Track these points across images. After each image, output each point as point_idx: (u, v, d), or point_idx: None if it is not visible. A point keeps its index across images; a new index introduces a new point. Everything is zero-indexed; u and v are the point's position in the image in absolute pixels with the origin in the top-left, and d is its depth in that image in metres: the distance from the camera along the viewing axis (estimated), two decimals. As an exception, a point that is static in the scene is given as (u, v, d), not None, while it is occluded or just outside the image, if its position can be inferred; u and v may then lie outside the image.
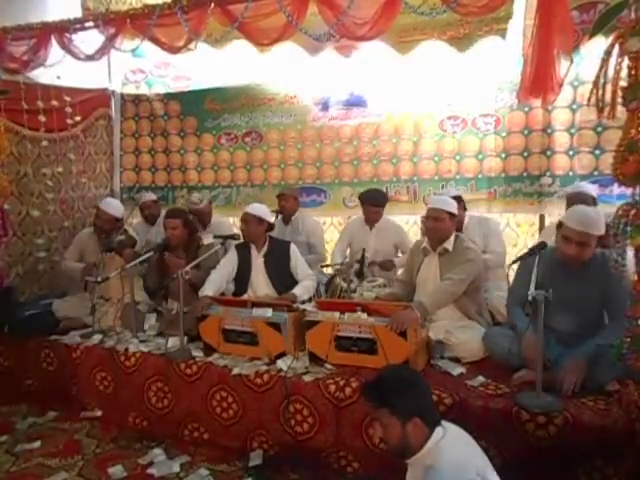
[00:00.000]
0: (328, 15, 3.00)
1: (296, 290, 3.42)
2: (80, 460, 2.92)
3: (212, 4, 3.21)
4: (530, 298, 2.32)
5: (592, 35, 3.43)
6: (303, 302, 3.36)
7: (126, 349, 3.29)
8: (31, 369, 3.62)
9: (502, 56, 4.01)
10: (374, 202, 4.13)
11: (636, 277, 2.19)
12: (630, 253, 2.21)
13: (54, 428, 3.29)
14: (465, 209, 3.77)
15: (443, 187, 4.57)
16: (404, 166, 4.72)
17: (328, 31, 3.05)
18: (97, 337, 3.48)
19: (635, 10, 2.11)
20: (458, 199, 3.70)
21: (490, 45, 3.78)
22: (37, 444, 3.08)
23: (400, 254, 4.17)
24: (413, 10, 2.90)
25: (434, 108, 4.55)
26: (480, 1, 2.72)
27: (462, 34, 3.80)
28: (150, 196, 4.89)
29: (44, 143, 4.49)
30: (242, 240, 3.67)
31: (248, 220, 3.49)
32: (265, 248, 3.55)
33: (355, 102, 4.81)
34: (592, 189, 3.59)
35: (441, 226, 3.08)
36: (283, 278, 3.51)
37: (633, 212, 2.13)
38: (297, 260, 3.57)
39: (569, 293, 2.51)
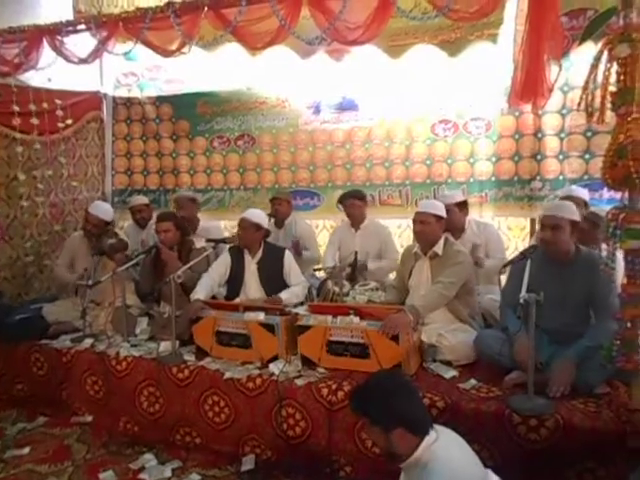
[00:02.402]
0: (320, 19, 3.01)
1: (282, 294, 3.42)
2: (70, 466, 2.89)
3: (205, 8, 3.22)
4: (522, 301, 2.33)
5: (582, 41, 3.48)
6: (295, 306, 3.36)
7: (117, 353, 3.27)
8: (21, 374, 3.58)
9: (493, 61, 4.04)
10: (352, 195, 4.22)
11: (626, 280, 2.21)
12: (620, 256, 2.24)
13: (44, 433, 3.26)
14: (467, 214, 3.81)
15: (435, 191, 4.60)
16: (396, 170, 4.74)
17: (320, 35, 3.06)
18: (88, 341, 3.45)
19: (624, 17, 2.14)
20: (463, 204, 3.74)
21: (481, 50, 3.81)
22: (26, 450, 3.04)
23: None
24: (405, 15, 2.92)
25: (426, 112, 4.57)
26: (471, 7, 2.75)
27: (453, 38, 3.83)
28: (141, 199, 4.86)
29: (35, 146, 4.46)
30: (236, 244, 3.66)
31: (246, 227, 3.47)
32: (259, 254, 3.54)
33: (347, 106, 4.82)
34: (583, 193, 3.62)
35: (427, 229, 3.10)
36: (275, 284, 3.50)
37: (622, 216, 2.15)
38: (291, 267, 3.56)
39: (554, 291, 2.53)
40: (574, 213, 2.66)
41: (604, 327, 2.45)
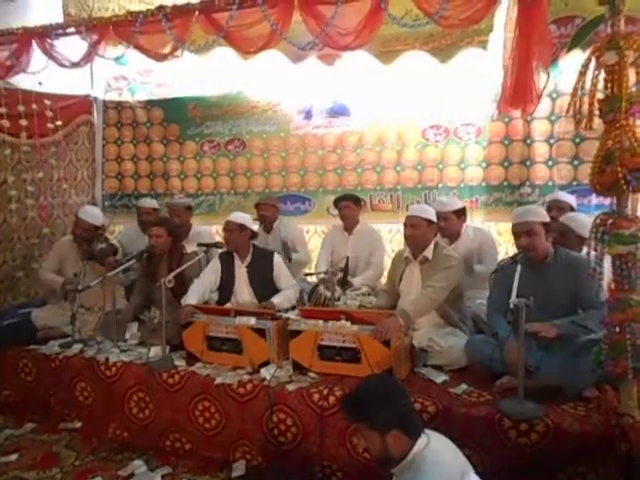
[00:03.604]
0: (312, 25, 3.02)
1: (275, 299, 3.42)
2: (59, 472, 2.85)
3: (196, 12, 3.21)
4: (512, 306, 2.35)
5: (570, 48, 3.52)
6: (287, 310, 3.36)
7: (107, 359, 3.24)
8: (9, 380, 3.54)
9: (483, 67, 4.07)
10: (348, 197, 4.24)
11: (614, 285, 2.23)
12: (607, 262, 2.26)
13: (32, 440, 3.21)
14: (464, 220, 3.82)
15: (426, 196, 4.62)
16: (387, 175, 4.76)
17: (312, 40, 3.07)
18: (77, 347, 3.41)
19: (611, 25, 2.17)
20: (461, 211, 3.74)
21: (472, 56, 3.84)
22: (14, 456, 3.00)
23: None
24: (396, 21, 2.94)
25: (417, 117, 4.61)
26: (462, 14, 2.77)
27: (444, 45, 3.86)
28: (151, 202, 4.77)
29: (24, 149, 4.44)
30: (226, 249, 3.66)
31: (230, 229, 3.50)
32: (249, 258, 3.55)
33: (338, 111, 4.85)
34: (570, 198, 3.67)
35: (418, 233, 3.12)
36: (266, 288, 3.51)
37: (610, 221, 2.18)
38: (280, 270, 3.57)
39: (538, 294, 2.54)
40: (543, 215, 2.73)
41: (592, 313, 2.50)
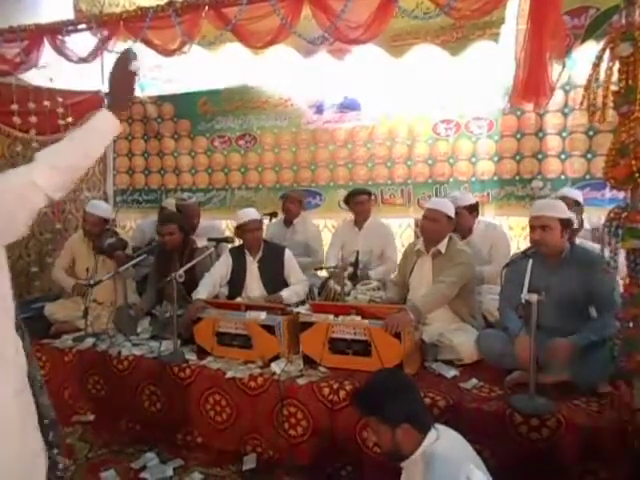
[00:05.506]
0: (322, 18, 3.01)
1: (283, 292, 3.43)
2: (72, 465, 2.88)
3: (206, 7, 3.21)
4: (523, 301, 2.33)
5: (584, 40, 3.47)
6: (297, 305, 3.36)
7: (119, 352, 3.27)
8: (22, 373, 3.59)
9: (495, 60, 4.03)
10: (360, 192, 4.19)
11: (628, 279, 2.21)
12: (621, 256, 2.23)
13: (45, 433, 3.26)
14: (477, 216, 3.80)
15: (437, 190, 4.60)
16: (398, 169, 4.74)
17: (322, 34, 3.05)
18: (89, 340, 3.45)
19: (626, 15, 2.13)
20: (474, 207, 3.72)
21: (483, 49, 3.81)
22: (28, 449, 3.05)
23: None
24: (406, 14, 2.91)
25: (427, 111, 4.58)
26: (473, 5, 2.74)
27: (455, 38, 3.83)
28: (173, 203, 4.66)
29: (36, 145, 4.47)
30: (236, 244, 3.67)
31: (254, 228, 3.50)
32: (260, 253, 3.56)
33: (349, 105, 4.83)
34: (576, 194, 3.63)
35: (436, 227, 3.10)
36: (277, 283, 3.52)
37: (624, 215, 2.15)
38: (291, 266, 3.58)
39: (551, 290, 2.52)
40: (563, 211, 2.66)
41: (608, 321, 2.45)
